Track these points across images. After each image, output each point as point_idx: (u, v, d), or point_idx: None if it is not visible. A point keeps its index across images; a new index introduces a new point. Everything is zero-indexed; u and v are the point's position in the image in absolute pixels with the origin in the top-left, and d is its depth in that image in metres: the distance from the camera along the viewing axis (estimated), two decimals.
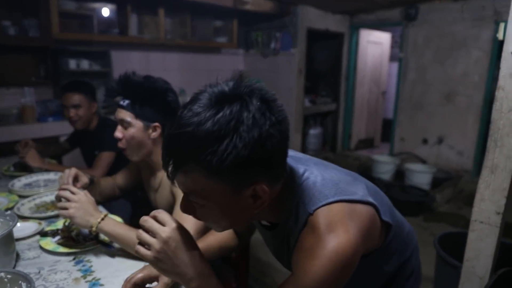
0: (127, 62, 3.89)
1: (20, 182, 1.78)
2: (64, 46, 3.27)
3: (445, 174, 4.32)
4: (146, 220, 0.71)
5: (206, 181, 0.63)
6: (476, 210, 1.19)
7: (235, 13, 4.37)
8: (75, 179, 1.34)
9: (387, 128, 5.57)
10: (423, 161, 4.60)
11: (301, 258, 0.68)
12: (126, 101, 1.28)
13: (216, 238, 1.05)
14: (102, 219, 1.10)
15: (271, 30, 4.71)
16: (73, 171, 1.33)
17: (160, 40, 3.85)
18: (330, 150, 5.51)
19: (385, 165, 4.40)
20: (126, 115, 1.28)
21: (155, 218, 0.71)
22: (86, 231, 1.19)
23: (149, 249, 0.70)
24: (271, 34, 4.71)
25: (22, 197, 1.61)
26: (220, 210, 0.68)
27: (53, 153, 2.43)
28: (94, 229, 1.09)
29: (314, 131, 5.30)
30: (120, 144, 1.33)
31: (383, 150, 5.64)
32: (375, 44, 5.62)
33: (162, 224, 0.70)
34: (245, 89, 0.64)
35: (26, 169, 2.00)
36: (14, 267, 1.06)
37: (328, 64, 5.46)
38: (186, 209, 0.71)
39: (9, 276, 0.83)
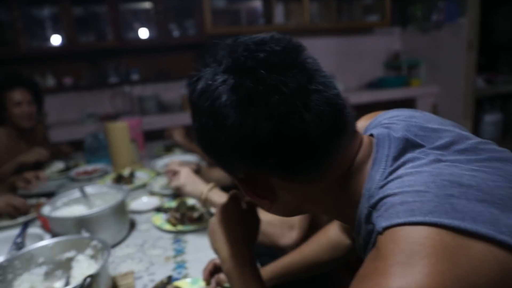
0: None
1: (162, 161, 2.01)
2: (216, 40, 3.57)
3: None
4: None
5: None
6: None
7: None
8: None
9: None
10: None
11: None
12: None
13: (328, 238, 0.91)
14: (211, 189, 1.14)
15: (432, 0, 4.03)
16: (175, 161, 1.43)
17: (304, 25, 3.78)
18: None
19: None
20: None
21: None
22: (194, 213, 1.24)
23: None
24: (432, 4, 4.03)
25: (159, 174, 1.80)
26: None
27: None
28: (203, 196, 1.13)
29: (490, 118, 4.32)
30: None
31: None
32: None
33: None
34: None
35: (172, 150, 2.26)
36: (127, 236, 1.18)
37: None
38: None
39: (100, 244, 0.89)
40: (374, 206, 0.47)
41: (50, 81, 3.42)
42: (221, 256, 0.69)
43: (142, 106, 3.62)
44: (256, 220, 0.72)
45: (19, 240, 1.07)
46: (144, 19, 3.60)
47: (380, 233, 0.43)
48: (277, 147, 0.46)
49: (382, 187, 0.48)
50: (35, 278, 0.87)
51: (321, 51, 4.23)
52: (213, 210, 1.20)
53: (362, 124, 0.64)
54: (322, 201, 0.54)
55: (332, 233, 0.89)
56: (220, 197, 1.11)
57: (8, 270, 0.85)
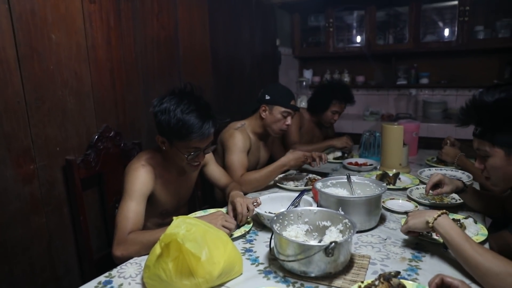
0: None
1: (428, 171, 1.98)
2: None
3: None
4: None
5: None
6: None
7: None
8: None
9: None
10: None
11: None
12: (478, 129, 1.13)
13: None
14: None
15: None
16: (438, 175, 1.43)
17: None
18: None
19: None
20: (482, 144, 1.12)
21: None
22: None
23: None
24: None
25: (422, 183, 1.81)
26: None
27: None
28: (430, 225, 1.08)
29: None
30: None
31: None
32: None
33: None
34: None
35: (443, 163, 2.16)
36: (374, 227, 1.32)
37: None
38: None
39: (349, 224, 1.07)
40: None
41: (346, 78, 3.93)
42: None
43: (425, 111, 3.56)
44: None
45: (296, 201, 1.41)
46: (447, 19, 3.45)
47: None
48: None
49: None
50: (299, 231, 1.15)
51: None
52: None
53: None
54: None
55: None
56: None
57: (285, 218, 1.18)
